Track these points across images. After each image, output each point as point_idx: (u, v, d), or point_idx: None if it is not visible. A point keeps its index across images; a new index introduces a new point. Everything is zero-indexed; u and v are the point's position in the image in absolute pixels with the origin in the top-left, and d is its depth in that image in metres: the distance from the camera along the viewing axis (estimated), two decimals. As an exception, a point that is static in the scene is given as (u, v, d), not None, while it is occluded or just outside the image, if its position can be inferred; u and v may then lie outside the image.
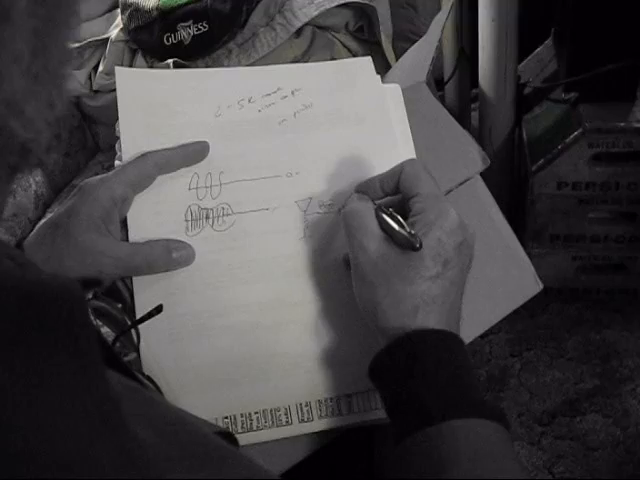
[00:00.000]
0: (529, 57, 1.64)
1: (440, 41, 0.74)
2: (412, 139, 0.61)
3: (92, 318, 0.49)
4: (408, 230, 0.47)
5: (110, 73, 1.45)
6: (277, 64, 0.66)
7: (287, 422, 0.53)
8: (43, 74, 0.26)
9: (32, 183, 1.47)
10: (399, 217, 0.49)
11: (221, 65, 1.32)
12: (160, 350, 0.53)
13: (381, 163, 0.58)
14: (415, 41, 0.94)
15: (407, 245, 0.47)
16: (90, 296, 0.50)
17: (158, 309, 0.52)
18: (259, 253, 0.56)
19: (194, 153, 0.57)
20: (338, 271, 0.56)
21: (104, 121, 1.58)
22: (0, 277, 0.23)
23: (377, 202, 0.52)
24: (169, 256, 0.54)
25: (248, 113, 0.60)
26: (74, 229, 0.51)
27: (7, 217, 1.36)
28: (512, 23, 1.35)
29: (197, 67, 1.32)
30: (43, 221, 0.54)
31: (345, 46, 1.35)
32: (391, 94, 0.62)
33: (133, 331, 0.52)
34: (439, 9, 1.65)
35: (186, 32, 1.31)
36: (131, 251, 0.53)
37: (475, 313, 0.53)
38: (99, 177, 0.54)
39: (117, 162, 1.35)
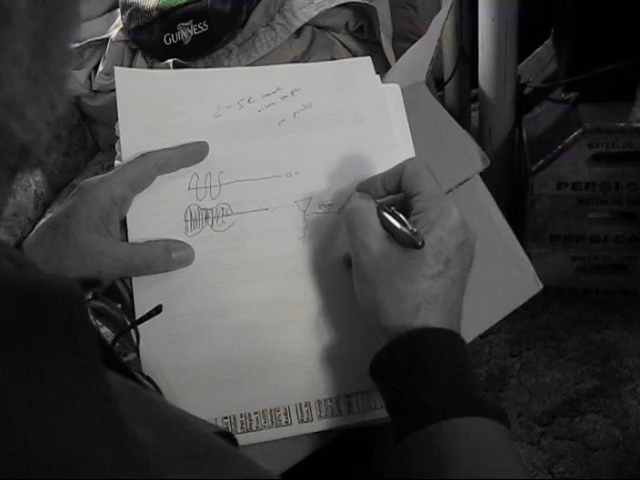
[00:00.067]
0: (529, 57, 1.64)
1: (440, 41, 0.74)
2: (412, 139, 0.61)
3: (92, 318, 0.49)
4: (410, 228, 0.47)
5: (110, 73, 1.45)
6: (277, 64, 0.66)
7: (287, 422, 0.53)
8: (43, 76, 0.26)
9: (32, 183, 1.47)
10: (401, 215, 0.49)
11: (221, 65, 1.32)
12: (160, 350, 0.53)
13: (381, 163, 0.58)
14: (415, 41, 0.93)
15: (409, 243, 0.47)
16: (90, 296, 0.50)
17: (158, 309, 0.52)
18: (259, 253, 0.56)
19: (194, 153, 0.57)
20: (338, 271, 0.56)
21: (104, 121, 1.58)
22: (0, 278, 0.23)
23: (379, 201, 0.52)
24: (169, 256, 0.54)
25: (248, 113, 0.60)
26: (74, 229, 0.51)
27: (7, 217, 1.36)
28: (512, 23, 1.35)
29: (197, 67, 1.32)
30: (43, 221, 0.54)
31: (345, 46, 1.35)
32: (391, 94, 0.62)
33: (133, 331, 0.52)
34: (439, 9, 1.65)
35: (186, 32, 1.31)
36: (130, 251, 0.53)
37: (475, 313, 0.53)
38: (99, 177, 0.54)
39: (117, 162, 1.35)
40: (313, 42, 1.33)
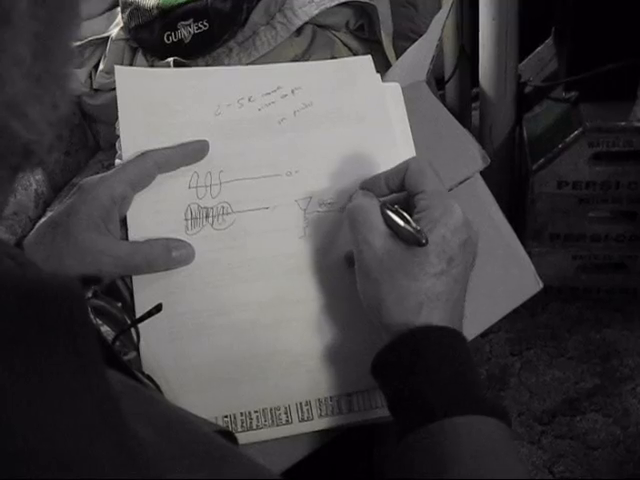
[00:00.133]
0: (530, 56, 1.64)
1: (440, 40, 0.74)
2: (412, 138, 0.61)
3: (92, 317, 0.49)
4: (414, 226, 0.47)
5: (110, 72, 1.45)
6: (277, 63, 0.66)
7: (287, 421, 0.53)
8: (45, 76, 0.26)
9: (32, 182, 1.47)
10: (405, 213, 0.49)
11: (221, 64, 1.32)
12: (160, 349, 0.53)
13: (381, 162, 0.58)
14: (415, 40, 0.93)
15: (413, 241, 0.47)
16: (90, 295, 0.50)
17: (158, 308, 0.52)
18: (259, 252, 0.56)
19: (194, 152, 0.57)
20: (339, 269, 0.56)
21: (104, 120, 1.58)
22: (0, 276, 0.23)
23: (382, 199, 0.52)
24: (169, 255, 0.54)
25: (248, 112, 0.60)
26: (74, 228, 0.51)
27: (7, 215, 1.36)
28: (512, 22, 1.35)
29: (197, 66, 1.32)
30: (43, 220, 0.54)
31: (345, 45, 1.35)
32: (391, 93, 0.62)
33: (133, 330, 0.52)
34: (439, 8, 1.65)
35: (186, 31, 1.31)
36: (131, 250, 0.53)
37: (475, 312, 0.53)
38: (99, 176, 0.54)
39: (117, 161, 1.35)
40: (314, 41, 1.33)
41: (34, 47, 0.25)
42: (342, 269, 0.56)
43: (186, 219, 0.56)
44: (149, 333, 0.53)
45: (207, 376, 0.53)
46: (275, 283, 0.56)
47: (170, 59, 1.31)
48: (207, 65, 1.32)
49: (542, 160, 1.38)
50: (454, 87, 1.82)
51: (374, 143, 0.60)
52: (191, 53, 1.33)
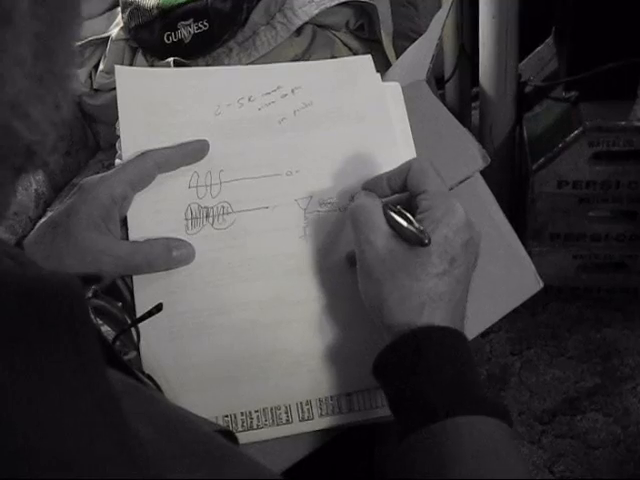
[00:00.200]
0: (530, 55, 1.63)
1: (440, 39, 0.74)
2: (412, 137, 0.61)
3: (92, 316, 0.49)
4: (417, 226, 0.47)
5: (110, 72, 1.45)
6: (277, 62, 0.66)
7: (287, 420, 0.53)
8: (47, 76, 0.26)
9: (33, 182, 1.47)
10: (407, 214, 0.49)
11: (221, 64, 1.32)
12: (160, 348, 0.53)
13: (382, 161, 0.58)
14: (415, 39, 0.93)
15: (416, 241, 0.47)
16: (90, 295, 0.50)
17: (158, 307, 0.52)
18: (259, 251, 0.56)
19: (194, 152, 0.57)
20: (339, 269, 0.56)
21: (104, 120, 1.57)
22: (0, 275, 0.23)
23: (384, 200, 0.52)
24: (169, 255, 0.54)
25: (248, 111, 0.60)
26: (74, 228, 0.51)
27: (8, 215, 1.36)
28: (513, 21, 1.35)
29: (197, 66, 1.32)
30: (43, 220, 0.54)
31: (345, 44, 1.35)
32: (391, 92, 0.62)
33: (133, 330, 0.52)
34: (439, 7, 1.65)
35: (186, 31, 1.31)
36: (131, 250, 0.53)
37: (476, 311, 0.53)
38: (99, 176, 0.54)
39: (117, 161, 1.35)
40: (314, 41, 1.33)
41: (35, 47, 0.25)
42: (342, 269, 0.56)
43: (186, 219, 0.56)
44: (149, 333, 0.53)
45: (207, 375, 0.54)
46: (275, 282, 0.56)
47: (170, 59, 1.31)
48: (207, 65, 1.32)
49: (542, 159, 1.38)
50: (454, 86, 1.82)
51: (374, 142, 0.60)
52: (191, 53, 1.33)
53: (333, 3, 1.30)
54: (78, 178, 1.57)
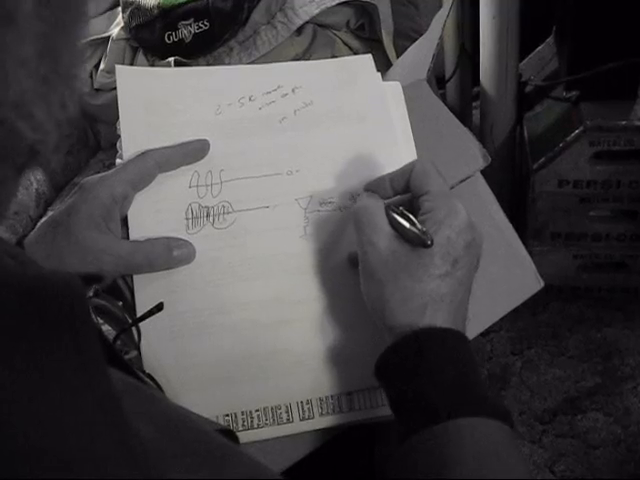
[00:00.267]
0: (530, 55, 1.63)
1: (441, 39, 0.73)
2: (413, 137, 0.61)
3: (93, 316, 0.49)
4: (419, 227, 0.47)
5: (111, 71, 1.45)
6: (278, 62, 0.66)
7: (288, 420, 0.54)
8: (52, 76, 0.26)
9: (33, 181, 1.47)
10: (409, 215, 0.49)
11: (222, 63, 1.32)
12: (161, 348, 0.53)
13: (382, 161, 0.58)
14: (416, 39, 0.93)
15: (418, 242, 0.47)
16: (91, 294, 0.50)
17: (159, 307, 0.52)
18: (259, 251, 0.56)
19: (194, 151, 0.57)
20: (339, 268, 0.56)
21: (105, 119, 1.57)
22: (0, 275, 0.23)
23: (387, 201, 0.52)
24: (170, 254, 0.54)
25: (248, 111, 0.60)
26: (75, 227, 0.51)
27: (8, 215, 1.36)
28: (513, 20, 1.35)
29: (198, 65, 1.32)
30: (44, 219, 0.54)
31: (346, 44, 1.35)
32: (392, 92, 0.62)
33: (134, 329, 0.52)
34: (440, 7, 1.65)
35: (187, 30, 1.31)
36: (132, 249, 0.53)
37: (476, 311, 0.53)
38: (99, 175, 0.54)
39: (118, 160, 1.35)
40: (314, 40, 1.33)
41: (39, 47, 0.25)
42: (343, 268, 0.56)
43: (187, 218, 0.56)
44: (150, 332, 0.53)
45: (208, 375, 0.54)
46: (276, 282, 0.56)
47: (171, 59, 1.31)
48: (208, 64, 1.32)
49: (543, 159, 1.38)
50: (455, 86, 1.82)
51: (375, 142, 0.60)
52: (192, 52, 1.33)
53: (334, 2, 1.30)
54: (79, 177, 1.57)
